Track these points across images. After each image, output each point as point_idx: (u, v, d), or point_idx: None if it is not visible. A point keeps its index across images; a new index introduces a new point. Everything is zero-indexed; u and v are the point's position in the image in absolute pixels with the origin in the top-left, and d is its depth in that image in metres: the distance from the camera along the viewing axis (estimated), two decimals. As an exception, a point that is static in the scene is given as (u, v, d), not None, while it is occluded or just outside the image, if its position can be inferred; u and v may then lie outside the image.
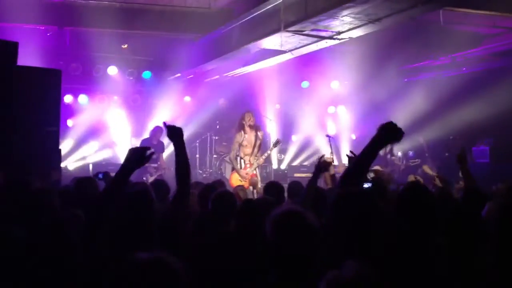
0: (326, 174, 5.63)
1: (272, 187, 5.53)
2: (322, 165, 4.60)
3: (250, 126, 9.13)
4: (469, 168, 4.83)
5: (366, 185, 4.22)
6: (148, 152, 3.15)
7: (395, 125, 3.04)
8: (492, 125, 11.20)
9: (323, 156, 4.91)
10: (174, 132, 3.55)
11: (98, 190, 4.59)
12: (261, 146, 9.42)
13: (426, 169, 7.82)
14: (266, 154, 9.47)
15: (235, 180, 8.89)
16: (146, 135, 12.04)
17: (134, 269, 1.86)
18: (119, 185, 3.07)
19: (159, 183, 5.88)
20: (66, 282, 2.23)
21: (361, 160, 3.12)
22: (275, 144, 9.66)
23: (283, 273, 2.51)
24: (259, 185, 8.70)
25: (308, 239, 2.54)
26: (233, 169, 9.15)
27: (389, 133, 3.03)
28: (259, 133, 9.26)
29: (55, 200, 3.59)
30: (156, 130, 11.16)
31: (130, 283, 1.83)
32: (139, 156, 3.10)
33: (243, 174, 8.93)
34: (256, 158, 9.18)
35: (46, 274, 2.51)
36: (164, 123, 3.64)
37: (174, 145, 3.57)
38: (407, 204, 3.07)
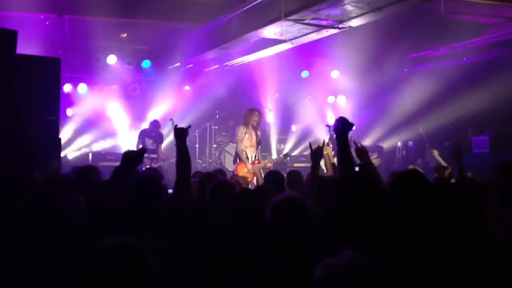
0: (326, 160, 5.66)
1: (273, 176, 5.55)
2: (317, 151, 4.64)
3: (253, 126, 9.14)
4: (463, 163, 4.93)
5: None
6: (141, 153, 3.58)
7: (342, 118, 3.81)
8: (492, 115, 11.21)
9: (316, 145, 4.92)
10: (180, 133, 4.09)
11: (100, 179, 4.60)
12: (260, 141, 9.46)
13: (436, 155, 7.64)
14: (272, 160, 9.77)
15: (241, 171, 8.92)
16: (145, 124, 12.02)
17: (101, 253, 1.88)
18: (116, 183, 3.19)
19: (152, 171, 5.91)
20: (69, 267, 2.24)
21: (340, 158, 3.71)
22: (284, 156, 10.21)
23: (281, 259, 2.54)
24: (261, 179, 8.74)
25: (304, 223, 2.62)
26: (239, 160, 9.13)
27: (341, 127, 3.78)
28: (258, 132, 9.31)
29: (60, 189, 3.62)
30: (155, 123, 11.15)
31: (97, 268, 1.86)
32: (133, 159, 3.37)
33: (251, 167, 8.97)
34: (258, 153, 9.29)
35: (50, 259, 2.52)
36: (172, 120, 4.16)
37: (177, 143, 4.06)
38: (404, 193, 3.04)
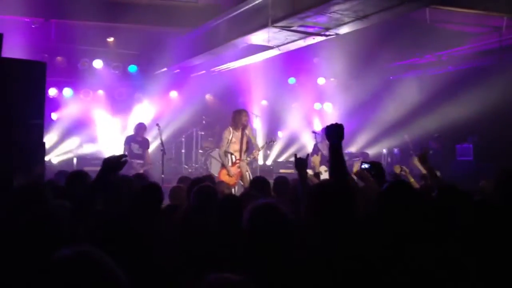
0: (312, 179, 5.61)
1: (258, 182, 5.53)
2: (299, 163, 4.56)
3: (243, 125, 8.97)
4: (431, 167, 5.02)
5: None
6: (123, 159, 3.35)
7: (333, 125, 3.59)
8: (476, 123, 11.31)
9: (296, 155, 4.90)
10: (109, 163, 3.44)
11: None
12: (249, 143, 9.26)
13: (416, 162, 7.75)
14: (257, 152, 9.37)
15: (223, 176, 8.78)
16: (131, 130, 11.96)
17: (58, 265, 1.81)
18: (96, 192, 3.16)
19: (140, 177, 5.89)
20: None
21: (332, 166, 3.56)
22: (270, 142, 9.85)
23: (257, 265, 2.55)
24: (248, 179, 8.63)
25: (281, 230, 2.64)
26: (222, 165, 8.99)
27: (333, 134, 3.55)
28: (246, 130, 9.11)
29: (46, 194, 3.58)
30: (140, 126, 11.05)
31: (54, 280, 1.79)
32: (114, 165, 3.25)
33: (231, 171, 8.80)
34: (245, 154, 9.11)
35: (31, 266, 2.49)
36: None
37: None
38: (389, 206, 3.02)
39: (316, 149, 10.28)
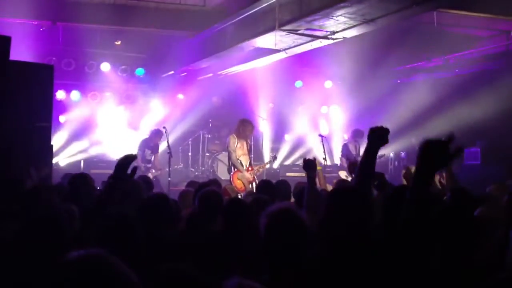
0: (319, 174, 5.61)
1: (265, 186, 5.54)
2: (306, 164, 4.50)
3: (246, 137, 9.29)
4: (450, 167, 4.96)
5: None
6: (132, 166, 3.21)
7: (381, 128, 3.39)
8: (484, 127, 11.25)
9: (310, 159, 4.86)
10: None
11: (93, 187, 4.59)
12: (251, 148, 9.71)
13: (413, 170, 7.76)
14: (262, 168, 10.00)
15: (236, 180, 8.99)
16: (138, 132, 12.00)
17: (68, 268, 1.79)
18: (105, 199, 3.14)
19: (144, 179, 5.92)
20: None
21: (362, 169, 3.39)
22: (273, 159, 10.48)
23: (274, 271, 2.53)
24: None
25: (298, 236, 2.63)
26: (235, 169, 9.17)
27: (376, 137, 3.38)
28: (249, 141, 9.53)
29: (52, 196, 3.59)
30: (156, 132, 10.96)
31: (65, 282, 1.77)
32: (126, 161, 3.18)
33: (248, 176, 9.08)
34: (250, 161, 9.43)
35: (39, 270, 2.49)
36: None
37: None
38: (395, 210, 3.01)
39: (346, 149, 10.68)
